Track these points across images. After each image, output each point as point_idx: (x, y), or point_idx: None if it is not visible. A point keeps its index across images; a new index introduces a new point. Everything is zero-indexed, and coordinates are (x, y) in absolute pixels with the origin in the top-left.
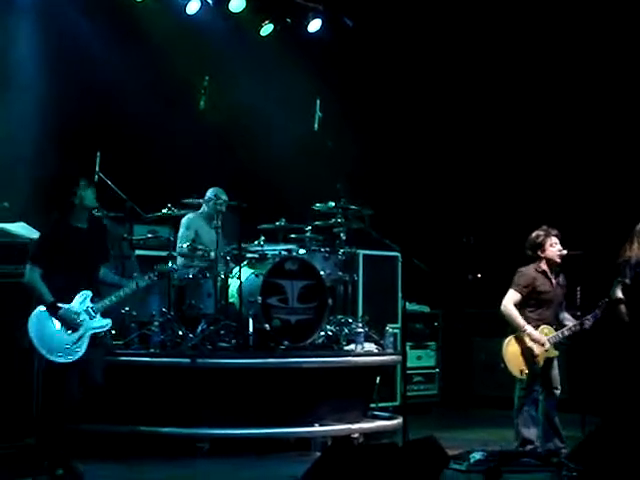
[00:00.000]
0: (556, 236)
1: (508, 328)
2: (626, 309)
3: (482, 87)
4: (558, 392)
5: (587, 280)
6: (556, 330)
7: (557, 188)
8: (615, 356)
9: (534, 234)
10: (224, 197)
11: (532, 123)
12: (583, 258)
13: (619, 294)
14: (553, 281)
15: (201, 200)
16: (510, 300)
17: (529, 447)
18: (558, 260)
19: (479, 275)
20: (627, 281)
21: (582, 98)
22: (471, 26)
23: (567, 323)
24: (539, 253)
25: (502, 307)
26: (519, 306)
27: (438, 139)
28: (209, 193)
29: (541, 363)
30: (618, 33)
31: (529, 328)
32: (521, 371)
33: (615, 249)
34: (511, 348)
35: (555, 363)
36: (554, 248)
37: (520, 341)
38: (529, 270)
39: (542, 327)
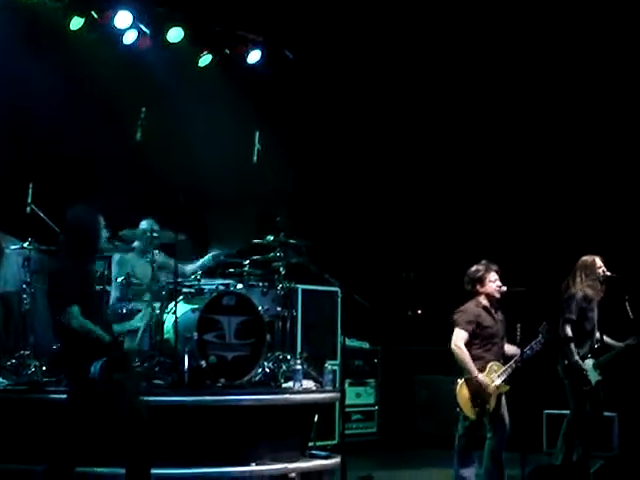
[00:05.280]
0: (496, 272)
1: (457, 368)
2: (576, 348)
3: (419, 123)
4: (508, 429)
5: (528, 317)
6: (504, 365)
7: (498, 224)
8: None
9: (474, 268)
10: (156, 228)
11: (471, 158)
12: (524, 295)
13: (569, 332)
14: (494, 315)
15: (135, 231)
16: (460, 340)
17: None
18: (497, 295)
19: (419, 311)
20: (573, 317)
21: (520, 135)
22: (410, 62)
23: (512, 354)
24: (478, 288)
25: (453, 347)
26: (467, 344)
27: (377, 174)
28: (142, 225)
29: (494, 402)
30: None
31: (480, 376)
32: (475, 412)
33: (556, 286)
34: (464, 391)
35: (504, 400)
36: (493, 284)
37: (471, 383)
38: (470, 307)
39: (491, 364)
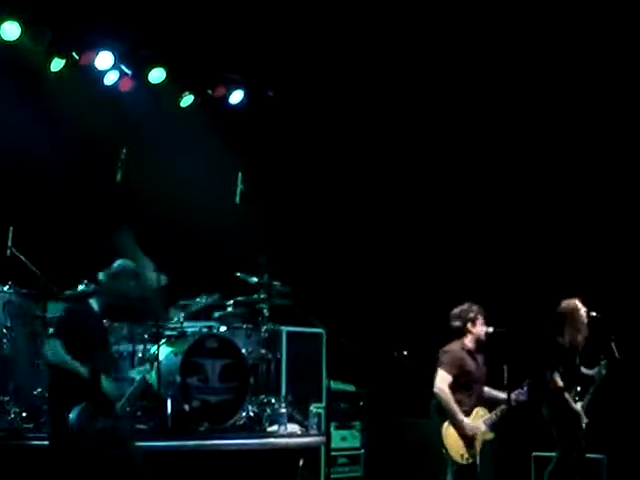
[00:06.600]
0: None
1: (442, 410)
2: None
3: (403, 164)
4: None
5: (513, 358)
6: (490, 411)
7: (480, 264)
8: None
9: (466, 306)
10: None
11: (452, 196)
12: (508, 335)
13: (560, 382)
14: (477, 359)
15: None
16: (444, 382)
17: None
18: (484, 338)
19: (405, 353)
20: (561, 369)
21: (502, 178)
22: (390, 97)
23: (492, 397)
24: (469, 327)
25: (437, 390)
26: (451, 389)
27: (359, 212)
28: (116, 265)
29: (480, 446)
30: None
31: (465, 420)
32: (462, 456)
33: (539, 325)
34: (450, 434)
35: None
36: (483, 326)
37: (457, 426)
38: (455, 349)
39: (477, 410)
